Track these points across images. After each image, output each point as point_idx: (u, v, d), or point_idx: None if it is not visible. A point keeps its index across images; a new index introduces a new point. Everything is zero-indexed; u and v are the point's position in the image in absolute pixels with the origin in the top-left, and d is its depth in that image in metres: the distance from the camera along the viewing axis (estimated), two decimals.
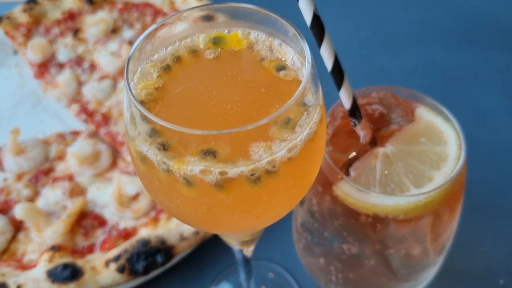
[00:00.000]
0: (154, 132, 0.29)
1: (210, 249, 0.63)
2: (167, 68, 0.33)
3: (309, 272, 0.57)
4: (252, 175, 0.28)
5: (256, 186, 0.29)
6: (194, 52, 0.34)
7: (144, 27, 0.87)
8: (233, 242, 0.43)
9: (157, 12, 0.89)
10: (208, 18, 0.35)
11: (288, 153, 0.29)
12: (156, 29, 0.33)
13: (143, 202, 0.65)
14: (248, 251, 0.47)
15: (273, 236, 0.64)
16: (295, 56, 0.33)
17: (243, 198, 0.30)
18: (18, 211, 0.63)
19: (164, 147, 0.29)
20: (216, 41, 0.34)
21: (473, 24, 0.90)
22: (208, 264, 0.62)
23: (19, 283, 0.57)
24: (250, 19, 0.34)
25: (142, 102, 0.32)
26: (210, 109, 0.30)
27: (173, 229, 0.61)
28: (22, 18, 0.87)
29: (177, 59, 0.34)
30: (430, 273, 0.52)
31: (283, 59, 0.34)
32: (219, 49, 0.34)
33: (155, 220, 0.64)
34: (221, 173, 0.28)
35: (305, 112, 0.30)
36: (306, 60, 0.31)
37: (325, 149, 0.45)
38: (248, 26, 0.35)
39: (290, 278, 0.61)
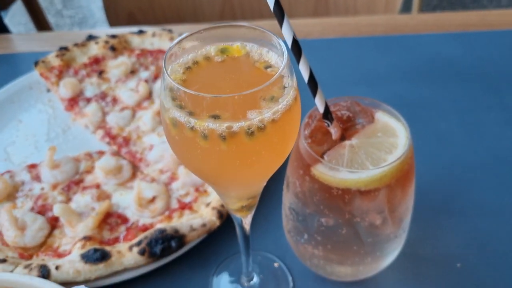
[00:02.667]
0: (183, 102, 0.44)
1: (215, 241, 0.76)
2: (189, 68, 0.48)
3: (296, 252, 0.69)
4: (248, 129, 0.42)
5: (251, 138, 0.43)
6: (207, 58, 0.49)
7: (158, 69, 1.04)
8: (235, 207, 0.56)
9: None
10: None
11: (272, 115, 0.43)
12: (181, 41, 0.48)
13: (159, 204, 0.78)
14: (247, 223, 0.60)
15: (267, 231, 0.77)
16: (278, 58, 0.48)
17: (241, 147, 0.44)
18: (56, 209, 0.76)
19: (190, 113, 0.43)
20: (223, 51, 0.49)
21: (432, 64, 1.08)
22: (213, 253, 0.75)
23: (57, 264, 0.69)
24: (246, 35, 0.49)
25: (169, 94, 0.46)
26: (219, 90, 0.45)
27: (184, 222, 0.73)
28: (55, 62, 1.03)
29: (196, 62, 0.49)
30: (393, 246, 0.65)
31: (270, 61, 0.49)
32: (225, 56, 0.49)
33: (169, 217, 0.77)
34: (228, 127, 0.42)
35: (284, 91, 0.45)
36: (284, 55, 0.45)
37: (304, 141, 0.59)
38: (245, 40, 0.50)
39: (283, 265, 0.73)
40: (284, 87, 0.45)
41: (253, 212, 0.59)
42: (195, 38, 0.49)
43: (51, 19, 3.41)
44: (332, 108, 0.63)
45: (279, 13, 0.49)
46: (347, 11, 1.52)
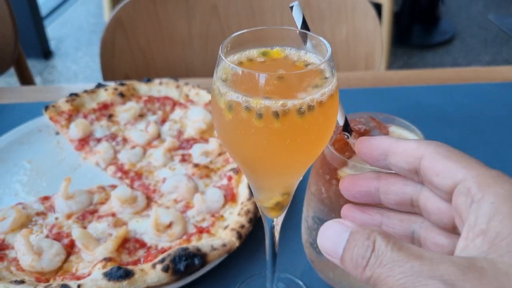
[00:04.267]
0: (239, 85, 0.48)
1: (235, 262, 0.77)
2: (238, 64, 0.53)
3: (317, 267, 0.70)
4: (300, 107, 0.47)
5: (301, 117, 0.47)
6: (251, 59, 0.54)
7: (165, 114, 1.08)
8: (269, 204, 0.58)
9: (175, 103, 1.11)
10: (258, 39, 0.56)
11: (320, 96, 0.48)
12: (228, 43, 0.53)
13: (176, 229, 0.79)
14: (278, 223, 0.62)
15: (282, 253, 0.78)
16: (316, 58, 0.54)
17: (292, 125, 0.47)
18: (75, 233, 0.76)
19: (246, 95, 0.47)
20: (264, 54, 0.55)
21: (418, 111, 1.17)
22: (232, 274, 0.75)
23: (79, 283, 0.68)
24: (285, 38, 0.55)
25: (224, 80, 0.50)
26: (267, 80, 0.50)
27: (205, 242, 0.75)
28: (65, 106, 1.07)
29: (240, 62, 0.54)
30: None
31: (308, 60, 0.54)
32: (266, 58, 0.55)
33: (188, 240, 0.78)
34: (283, 104, 0.46)
35: (327, 81, 0.50)
36: (327, 48, 0.51)
37: (330, 147, 0.64)
38: (285, 44, 0.56)
39: (302, 284, 0.74)
40: (326, 77, 0.50)
41: (284, 213, 0.61)
42: (241, 39, 0.54)
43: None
44: (350, 122, 0.68)
45: (304, 34, 0.55)
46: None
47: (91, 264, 0.74)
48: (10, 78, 3.31)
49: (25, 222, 0.82)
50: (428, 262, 0.33)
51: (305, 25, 0.59)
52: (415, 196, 0.45)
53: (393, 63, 3.70)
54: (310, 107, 0.48)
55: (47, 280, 0.72)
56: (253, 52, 0.55)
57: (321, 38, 0.53)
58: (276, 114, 0.47)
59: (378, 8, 2.93)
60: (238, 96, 0.47)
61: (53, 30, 4.23)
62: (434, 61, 3.75)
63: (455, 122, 1.13)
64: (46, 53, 3.87)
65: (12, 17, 1.78)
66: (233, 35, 0.53)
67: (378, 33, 1.57)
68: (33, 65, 3.77)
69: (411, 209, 0.46)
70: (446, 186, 0.40)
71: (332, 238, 0.39)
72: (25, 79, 1.96)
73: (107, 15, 2.89)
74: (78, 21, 4.46)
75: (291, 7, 0.59)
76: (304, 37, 0.55)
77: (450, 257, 0.33)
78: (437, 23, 4.21)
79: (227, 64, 0.48)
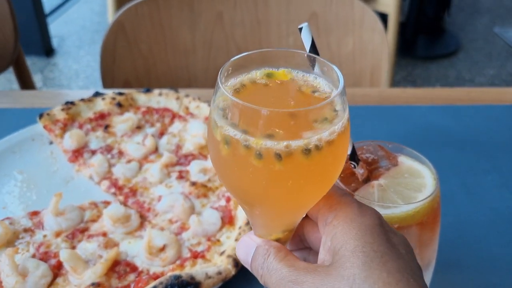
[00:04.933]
0: (237, 119, 0.44)
1: None
2: (237, 90, 0.49)
3: None
4: (305, 148, 0.43)
5: (307, 158, 0.43)
6: (253, 81, 0.50)
7: (164, 126, 1.04)
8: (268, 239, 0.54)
9: (174, 116, 1.07)
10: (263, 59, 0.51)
11: (329, 135, 0.44)
12: (228, 67, 0.48)
13: (170, 252, 0.75)
14: None
15: None
16: (326, 84, 0.49)
17: (296, 167, 0.43)
18: (63, 254, 0.72)
19: (244, 131, 0.43)
20: (269, 75, 0.50)
21: (426, 132, 1.14)
22: None
23: None
24: (291, 60, 0.51)
25: (222, 110, 0.46)
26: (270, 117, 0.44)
27: (199, 269, 0.71)
28: (60, 115, 1.03)
29: (243, 85, 0.49)
30: None
31: (316, 86, 0.50)
32: (270, 80, 0.50)
33: (181, 266, 0.74)
34: (286, 146, 0.42)
35: (337, 114, 0.46)
36: (339, 77, 0.47)
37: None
38: (291, 65, 0.51)
39: None
40: (336, 111, 0.46)
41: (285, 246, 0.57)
42: (243, 61, 0.49)
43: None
44: (357, 151, 0.64)
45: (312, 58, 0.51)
46: None
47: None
48: (10, 74, 3.27)
49: (12, 239, 0.78)
50: (293, 269, 0.44)
51: (314, 49, 0.55)
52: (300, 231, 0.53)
53: (396, 73, 3.66)
54: (318, 147, 0.43)
55: None
56: (257, 74, 0.50)
57: (332, 65, 0.49)
58: (278, 156, 0.43)
59: (383, 18, 2.90)
60: (236, 133, 0.43)
61: (55, 27, 4.20)
62: (438, 73, 3.71)
63: (464, 145, 1.09)
64: (48, 51, 3.84)
65: (13, 16, 1.74)
66: (234, 58, 0.49)
67: (385, 47, 1.54)
68: (34, 62, 3.73)
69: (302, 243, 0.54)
70: (314, 215, 0.49)
71: (244, 250, 0.49)
72: (24, 78, 1.93)
73: (110, 15, 2.85)
74: (81, 20, 4.43)
75: (300, 29, 0.55)
76: (313, 62, 0.51)
77: (310, 265, 0.44)
78: (442, 35, 4.18)
79: (226, 94, 0.44)
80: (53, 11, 4.44)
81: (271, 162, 0.43)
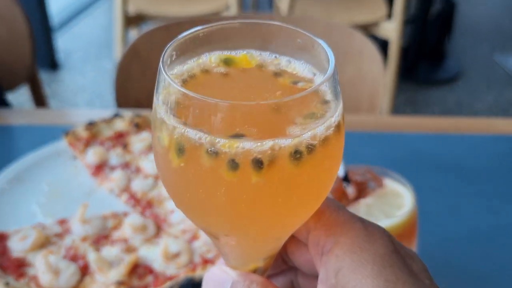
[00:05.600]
0: (192, 118, 0.32)
1: None
2: (185, 81, 0.38)
3: None
4: (295, 151, 0.32)
5: (298, 163, 0.33)
6: (206, 71, 0.38)
7: None
8: (245, 269, 0.41)
9: None
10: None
11: (325, 131, 0.33)
12: (174, 49, 0.38)
13: (183, 258, 0.86)
14: None
15: None
16: (307, 69, 0.38)
17: (285, 177, 0.33)
18: (91, 256, 0.83)
19: (207, 131, 0.32)
20: (227, 62, 0.38)
21: (417, 157, 1.25)
22: None
23: None
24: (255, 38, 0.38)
25: (170, 106, 0.35)
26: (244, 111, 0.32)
27: None
28: (83, 133, 1.14)
29: (192, 76, 0.38)
30: None
31: (296, 73, 0.38)
32: (229, 69, 0.38)
33: (193, 269, 0.84)
34: (271, 148, 0.31)
35: (328, 106, 0.35)
36: (330, 61, 0.35)
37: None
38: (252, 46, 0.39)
39: None
40: (327, 101, 0.35)
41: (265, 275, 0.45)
42: (191, 42, 0.38)
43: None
44: (349, 174, 0.75)
45: None
46: None
47: (104, 286, 0.80)
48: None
49: (44, 242, 0.89)
50: None
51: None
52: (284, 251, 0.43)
53: (396, 97, 3.78)
54: (310, 149, 0.33)
55: None
56: (210, 60, 0.38)
57: (319, 40, 0.37)
58: (258, 163, 0.32)
59: (385, 43, 3.02)
60: (197, 133, 0.32)
61: (62, 42, 4.32)
62: (437, 98, 3.83)
63: (449, 171, 1.20)
64: (53, 65, 3.94)
65: (32, 35, 1.87)
66: (180, 36, 0.38)
67: (382, 77, 1.65)
68: (40, 76, 3.86)
69: (285, 264, 0.44)
70: (303, 235, 0.39)
71: (216, 286, 0.39)
72: (37, 94, 2.05)
73: (118, 32, 2.98)
74: (88, 35, 4.56)
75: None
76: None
77: None
78: (442, 60, 4.30)
79: (173, 84, 0.33)
80: (61, 26, 4.57)
81: (249, 173, 0.32)
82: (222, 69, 0.37)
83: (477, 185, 1.16)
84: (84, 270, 0.84)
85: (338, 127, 0.35)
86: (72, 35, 4.54)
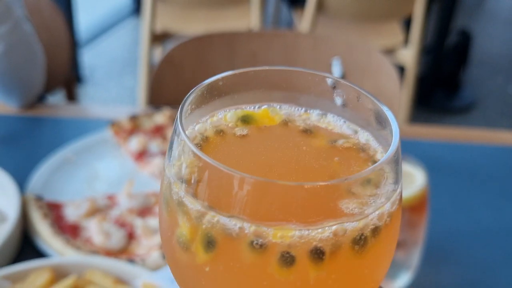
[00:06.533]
0: (237, 197, 0.25)
1: None
2: (198, 146, 0.31)
3: None
4: (361, 236, 0.26)
5: (361, 251, 0.27)
6: (221, 132, 0.32)
7: None
8: None
9: None
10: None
11: (391, 207, 0.27)
12: (189, 105, 0.34)
13: None
14: None
15: None
16: (344, 124, 0.33)
17: (347, 270, 0.27)
18: (138, 223, 0.94)
19: (247, 219, 0.24)
20: (245, 120, 0.33)
21: (431, 162, 1.35)
22: None
23: (143, 259, 0.86)
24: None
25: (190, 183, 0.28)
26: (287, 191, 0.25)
27: None
28: (126, 125, 1.27)
29: (205, 139, 0.32)
30: (403, 272, 0.84)
31: (332, 129, 0.32)
32: (249, 128, 0.32)
33: None
34: (334, 232, 0.25)
35: (386, 169, 0.29)
36: (390, 121, 0.30)
37: None
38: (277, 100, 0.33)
39: None
40: (385, 172, 0.29)
41: None
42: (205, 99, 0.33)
43: None
44: None
45: None
46: None
47: (148, 248, 0.92)
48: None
49: (96, 211, 1.00)
50: None
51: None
52: None
53: (411, 122, 3.87)
54: (376, 231, 0.27)
55: (115, 257, 0.89)
56: (226, 118, 0.33)
57: (370, 95, 0.31)
58: (319, 254, 0.26)
59: (400, 71, 3.14)
60: (235, 222, 0.25)
61: (88, 58, 4.51)
62: (451, 126, 3.90)
63: (459, 173, 1.31)
64: (79, 79, 4.11)
65: (71, 42, 2.03)
66: (197, 87, 0.34)
67: (398, 92, 1.77)
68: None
69: None
70: None
71: None
72: (72, 98, 2.20)
73: (144, 48, 3.13)
74: (112, 53, 4.74)
75: (333, 62, 0.68)
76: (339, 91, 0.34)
77: None
78: (457, 90, 4.39)
79: (202, 156, 0.27)
80: (87, 42, 4.76)
81: (307, 267, 0.26)
82: (244, 130, 0.31)
83: (483, 186, 1.26)
84: (131, 235, 0.95)
85: (401, 199, 0.29)
86: (97, 52, 4.73)
